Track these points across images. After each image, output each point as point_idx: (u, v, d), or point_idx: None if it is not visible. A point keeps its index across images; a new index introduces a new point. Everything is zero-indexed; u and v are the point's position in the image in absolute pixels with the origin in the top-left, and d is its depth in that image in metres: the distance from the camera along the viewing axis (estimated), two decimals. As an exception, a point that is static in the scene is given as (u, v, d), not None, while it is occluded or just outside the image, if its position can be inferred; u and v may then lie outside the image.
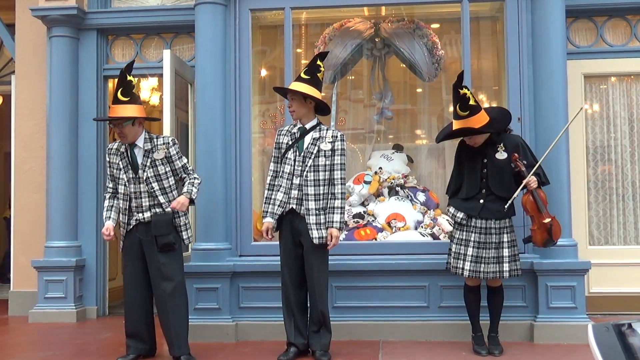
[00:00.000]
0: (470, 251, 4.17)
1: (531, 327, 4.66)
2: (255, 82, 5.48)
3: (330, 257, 4.30)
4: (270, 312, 4.78)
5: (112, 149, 4.26)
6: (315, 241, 4.12)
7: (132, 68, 4.22)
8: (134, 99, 4.19)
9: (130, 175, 4.15)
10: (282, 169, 4.26)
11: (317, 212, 4.15)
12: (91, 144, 5.94)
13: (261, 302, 4.86)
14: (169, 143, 4.20)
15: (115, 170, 4.22)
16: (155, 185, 4.15)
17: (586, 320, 4.58)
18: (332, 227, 4.15)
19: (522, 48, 4.89)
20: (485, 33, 5.76)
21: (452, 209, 4.32)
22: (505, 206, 4.11)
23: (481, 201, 4.19)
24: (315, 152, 4.19)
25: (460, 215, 4.23)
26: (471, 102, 4.11)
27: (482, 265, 4.16)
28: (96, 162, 5.95)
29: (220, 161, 4.96)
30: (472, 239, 4.19)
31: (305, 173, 4.18)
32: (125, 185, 4.16)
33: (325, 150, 4.19)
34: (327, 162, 4.19)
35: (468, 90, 4.14)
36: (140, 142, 4.18)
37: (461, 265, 4.20)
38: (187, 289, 4.27)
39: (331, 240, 4.14)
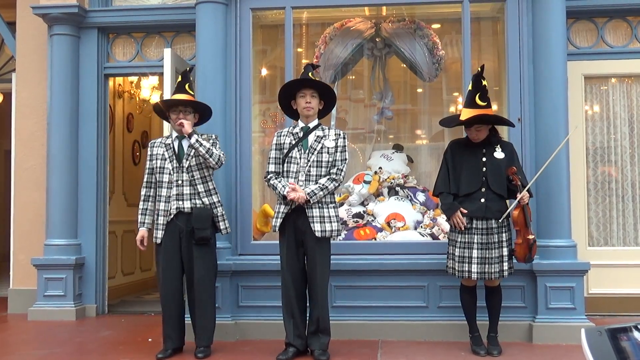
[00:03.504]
0: (475, 253, 4.16)
1: (530, 327, 4.66)
2: (255, 81, 5.48)
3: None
4: (269, 311, 4.79)
5: (155, 142, 4.47)
6: (317, 234, 4.12)
7: None
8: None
9: (175, 165, 4.29)
10: (286, 168, 4.26)
11: (319, 205, 4.16)
12: (91, 142, 5.94)
13: (260, 301, 4.86)
14: (211, 135, 4.44)
15: (159, 161, 4.35)
16: (197, 174, 4.31)
17: (585, 321, 4.58)
18: (306, 192, 4.10)
19: (523, 49, 4.89)
20: (486, 33, 5.76)
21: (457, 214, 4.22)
22: (500, 219, 4.17)
23: (482, 200, 4.19)
24: (318, 148, 4.22)
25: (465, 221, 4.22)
26: (488, 95, 4.20)
27: (487, 265, 4.16)
28: (96, 160, 5.95)
29: (220, 160, 4.96)
30: (476, 240, 4.18)
31: (307, 168, 4.19)
32: (169, 173, 4.30)
33: (328, 147, 4.22)
34: (330, 159, 4.21)
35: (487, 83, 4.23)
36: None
37: (467, 268, 4.18)
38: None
39: (296, 194, 4.08)
